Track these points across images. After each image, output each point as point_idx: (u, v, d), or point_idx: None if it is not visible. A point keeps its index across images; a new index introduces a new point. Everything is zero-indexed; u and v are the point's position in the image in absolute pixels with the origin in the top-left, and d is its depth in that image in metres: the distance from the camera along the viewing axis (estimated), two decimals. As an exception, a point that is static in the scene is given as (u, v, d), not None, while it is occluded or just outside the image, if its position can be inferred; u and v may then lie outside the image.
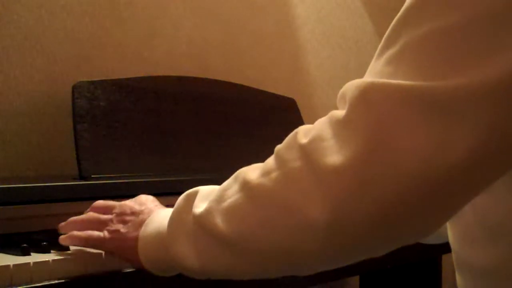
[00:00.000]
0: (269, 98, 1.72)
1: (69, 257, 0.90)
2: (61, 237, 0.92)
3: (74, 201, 1.11)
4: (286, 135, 0.71)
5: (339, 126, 0.64)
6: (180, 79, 1.54)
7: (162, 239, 0.81)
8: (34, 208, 1.08)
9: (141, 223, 0.87)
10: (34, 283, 0.83)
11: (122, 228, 0.88)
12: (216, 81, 1.62)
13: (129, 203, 0.92)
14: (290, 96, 1.80)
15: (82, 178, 1.25)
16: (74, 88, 1.32)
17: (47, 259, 0.87)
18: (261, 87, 1.73)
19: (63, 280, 0.86)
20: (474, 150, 0.60)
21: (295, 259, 0.69)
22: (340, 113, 0.65)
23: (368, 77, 0.66)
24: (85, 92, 1.33)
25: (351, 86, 0.64)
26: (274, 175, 0.67)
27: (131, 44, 1.63)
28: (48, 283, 0.85)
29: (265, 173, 0.69)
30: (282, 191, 0.67)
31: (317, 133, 0.66)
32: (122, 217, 0.90)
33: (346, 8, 2.22)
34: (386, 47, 0.65)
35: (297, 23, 2.07)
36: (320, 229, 0.64)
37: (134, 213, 0.89)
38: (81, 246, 0.93)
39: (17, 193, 1.07)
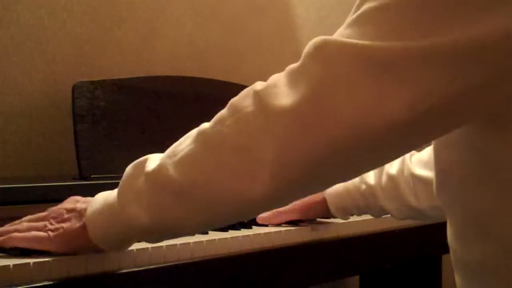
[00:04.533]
0: (269, 98, 1.72)
1: (69, 257, 0.90)
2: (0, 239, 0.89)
3: (74, 201, 1.11)
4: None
5: (293, 74, 0.71)
6: (180, 79, 1.54)
7: (112, 209, 0.82)
8: (34, 208, 1.08)
9: (83, 212, 0.87)
10: (34, 283, 0.83)
11: (64, 225, 0.88)
12: (216, 81, 1.62)
13: (61, 205, 0.91)
14: (290, 96, 1.80)
15: (82, 178, 1.25)
16: (74, 88, 1.32)
17: (47, 259, 0.87)
18: (261, 87, 1.73)
19: (63, 280, 0.86)
20: (407, 109, 0.65)
21: (244, 202, 0.73)
22: (295, 64, 0.71)
23: None
24: (85, 92, 1.33)
25: (310, 43, 0.71)
26: (228, 122, 0.73)
27: (131, 44, 1.63)
28: (48, 283, 0.84)
29: (219, 122, 0.74)
30: (235, 135, 0.72)
31: (271, 81, 0.72)
32: (60, 217, 0.89)
33: (346, 8, 2.22)
34: (351, 14, 0.73)
35: (297, 23, 2.07)
36: (266, 166, 0.69)
37: (71, 210, 0.89)
38: (24, 247, 0.89)
39: (17, 193, 1.07)
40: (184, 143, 0.77)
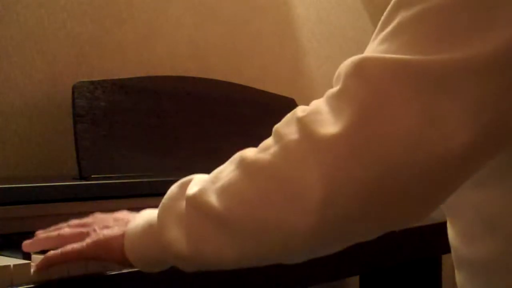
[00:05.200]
0: (269, 98, 1.72)
1: (69, 257, 0.90)
2: (37, 264, 0.84)
3: (74, 201, 1.11)
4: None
5: (334, 99, 0.66)
6: (180, 79, 1.54)
7: (151, 229, 0.79)
8: (34, 208, 1.08)
9: (127, 223, 0.84)
10: (34, 283, 0.83)
11: (105, 231, 0.85)
12: (216, 81, 1.62)
13: (111, 214, 0.89)
14: (290, 96, 1.80)
15: (82, 178, 1.25)
16: (74, 88, 1.32)
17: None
18: (261, 87, 1.73)
19: (63, 280, 0.86)
20: (465, 127, 0.61)
21: (288, 235, 0.67)
22: (335, 88, 0.66)
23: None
24: (85, 92, 1.33)
25: (346, 63, 0.66)
26: (272, 150, 0.68)
27: (131, 44, 1.63)
28: (48, 283, 0.84)
29: (263, 149, 0.69)
30: (279, 163, 0.67)
31: (313, 108, 0.67)
32: (105, 224, 0.86)
33: (346, 8, 2.22)
34: (381, 29, 0.67)
35: (297, 23, 2.07)
36: (315, 200, 0.64)
37: (117, 220, 0.87)
38: (62, 263, 0.86)
39: (17, 193, 1.07)
40: (227, 169, 0.72)
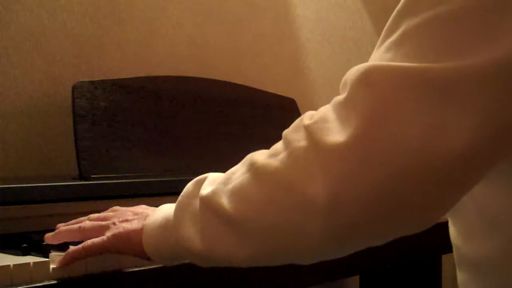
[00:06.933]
0: (269, 98, 1.72)
1: (69, 257, 0.90)
2: (59, 260, 0.87)
3: (74, 201, 1.11)
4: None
5: (341, 107, 0.66)
6: (180, 79, 1.54)
7: (168, 224, 0.82)
8: (34, 208, 1.08)
9: (145, 218, 0.87)
10: (34, 283, 0.83)
11: (125, 225, 0.88)
12: (216, 81, 1.62)
13: (130, 208, 0.93)
14: (290, 96, 1.80)
15: (82, 178, 1.25)
16: (74, 88, 1.32)
17: (47, 259, 0.87)
18: (261, 87, 1.73)
19: (63, 280, 0.86)
20: (471, 136, 0.61)
21: (296, 241, 0.69)
22: (342, 96, 0.67)
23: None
24: (85, 92, 1.33)
25: (352, 71, 0.66)
26: (280, 156, 0.69)
27: (131, 44, 1.63)
28: (48, 283, 0.85)
29: (272, 155, 0.70)
30: (286, 170, 0.68)
31: (320, 115, 0.68)
32: (125, 218, 0.90)
33: (346, 8, 2.22)
34: (386, 37, 0.67)
35: (297, 23, 2.07)
36: (320, 207, 0.65)
37: (137, 213, 0.90)
38: (84, 257, 0.88)
39: (17, 193, 1.07)
40: (239, 171, 0.74)
